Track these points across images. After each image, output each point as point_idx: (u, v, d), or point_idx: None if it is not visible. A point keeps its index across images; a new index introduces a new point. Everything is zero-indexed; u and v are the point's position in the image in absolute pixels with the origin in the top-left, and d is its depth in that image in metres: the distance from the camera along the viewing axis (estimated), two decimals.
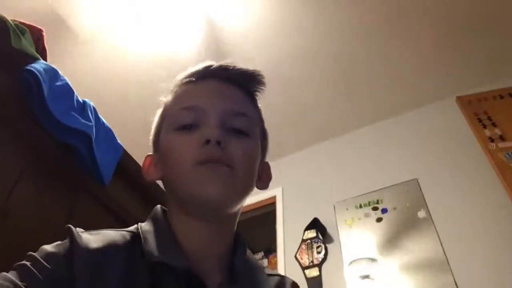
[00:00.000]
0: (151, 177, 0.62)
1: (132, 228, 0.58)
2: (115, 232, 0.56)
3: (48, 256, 0.49)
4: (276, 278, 0.67)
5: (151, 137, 0.65)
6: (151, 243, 0.54)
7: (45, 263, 0.48)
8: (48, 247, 0.50)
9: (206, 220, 0.57)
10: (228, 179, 0.54)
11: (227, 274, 0.57)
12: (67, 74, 1.00)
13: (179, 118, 0.58)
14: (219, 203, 0.55)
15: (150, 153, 0.64)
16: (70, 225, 0.53)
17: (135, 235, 0.56)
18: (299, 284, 0.70)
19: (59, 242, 0.52)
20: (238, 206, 0.60)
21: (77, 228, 0.54)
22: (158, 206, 0.63)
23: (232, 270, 0.57)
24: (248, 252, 0.64)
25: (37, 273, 0.46)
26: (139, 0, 2.18)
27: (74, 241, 0.50)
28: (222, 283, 0.55)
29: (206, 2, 2.16)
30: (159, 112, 0.65)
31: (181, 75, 0.64)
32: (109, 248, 0.52)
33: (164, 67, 2.41)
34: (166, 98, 0.64)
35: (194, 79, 0.62)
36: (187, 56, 2.39)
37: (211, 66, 0.62)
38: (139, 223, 0.59)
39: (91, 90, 1.99)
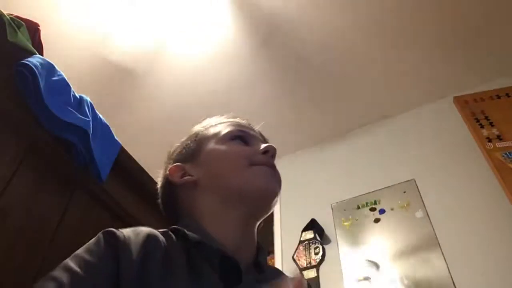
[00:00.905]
0: (183, 181, 0.71)
1: (161, 230, 0.63)
2: (148, 229, 0.60)
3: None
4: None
5: (182, 152, 0.77)
6: (188, 233, 0.60)
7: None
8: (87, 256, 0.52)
9: (249, 215, 0.67)
10: (279, 183, 0.71)
11: (253, 269, 0.64)
12: None
13: (234, 133, 0.74)
14: (273, 195, 0.68)
15: (176, 163, 0.74)
16: (112, 229, 0.56)
17: (166, 232, 0.62)
18: None
19: (95, 247, 0.53)
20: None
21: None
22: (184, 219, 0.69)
23: (258, 264, 0.65)
24: None
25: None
26: None
27: (118, 242, 0.53)
28: (251, 269, 0.63)
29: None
30: (196, 136, 0.78)
31: (223, 116, 0.82)
32: (147, 245, 0.55)
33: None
34: (209, 126, 0.79)
35: (239, 119, 0.80)
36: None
37: (243, 120, 0.82)
38: (171, 227, 0.64)
39: None
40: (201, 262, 0.57)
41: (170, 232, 0.62)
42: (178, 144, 0.81)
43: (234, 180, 0.67)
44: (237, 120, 0.81)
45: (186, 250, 0.58)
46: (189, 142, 0.78)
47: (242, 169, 0.68)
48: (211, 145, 0.74)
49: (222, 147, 0.72)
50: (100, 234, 0.55)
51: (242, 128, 0.77)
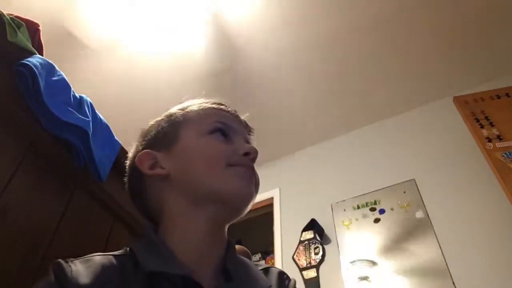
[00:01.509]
0: (152, 172, 0.66)
1: (120, 251, 0.61)
2: (102, 257, 0.58)
3: None
4: (273, 269, 0.73)
5: (156, 136, 0.71)
6: (146, 256, 0.57)
7: None
8: None
9: (221, 218, 0.64)
10: (257, 186, 0.67)
11: (221, 276, 0.60)
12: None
13: (215, 126, 0.68)
14: (249, 200, 0.64)
15: (148, 150, 0.68)
16: (59, 261, 0.54)
17: (123, 256, 0.59)
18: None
19: (45, 282, 0.52)
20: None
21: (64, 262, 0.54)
22: (148, 224, 0.67)
23: (226, 271, 0.60)
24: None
25: None
26: None
27: (64, 274, 0.51)
28: (219, 285, 0.59)
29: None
30: (174, 120, 0.71)
31: (206, 100, 0.74)
32: (100, 275, 0.53)
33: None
34: (189, 111, 0.72)
35: (224, 106, 0.73)
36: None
37: (229, 108, 0.74)
38: (130, 245, 0.61)
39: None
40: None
41: (127, 256, 0.59)
42: (152, 123, 0.74)
43: (208, 180, 0.62)
44: (222, 107, 0.73)
45: (144, 275, 0.54)
46: (165, 125, 0.71)
47: (219, 170, 0.63)
48: (188, 135, 0.68)
49: (200, 141, 0.66)
50: (50, 267, 0.54)
51: (225, 120, 0.70)
